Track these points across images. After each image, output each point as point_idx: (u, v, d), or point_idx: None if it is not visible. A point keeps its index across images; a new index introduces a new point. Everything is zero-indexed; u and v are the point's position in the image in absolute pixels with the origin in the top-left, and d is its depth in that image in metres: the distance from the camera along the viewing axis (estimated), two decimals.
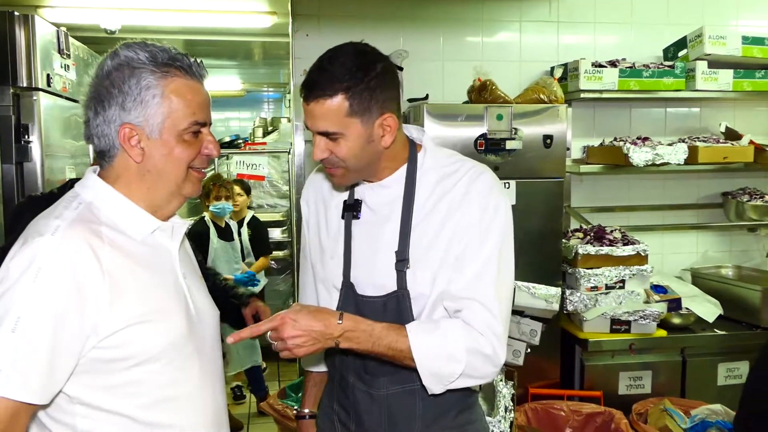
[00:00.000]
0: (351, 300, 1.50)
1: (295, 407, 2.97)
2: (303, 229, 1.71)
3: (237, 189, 4.78)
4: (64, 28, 3.76)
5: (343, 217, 1.55)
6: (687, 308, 3.22)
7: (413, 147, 1.52)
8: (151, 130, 1.19)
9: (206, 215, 4.40)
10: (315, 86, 1.35)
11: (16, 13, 3.30)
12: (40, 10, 3.88)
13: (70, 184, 2.35)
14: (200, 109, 1.23)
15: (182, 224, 1.31)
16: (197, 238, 4.25)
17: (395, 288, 1.45)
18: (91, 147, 1.31)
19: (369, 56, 1.39)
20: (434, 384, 1.39)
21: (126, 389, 1.16)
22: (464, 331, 1.38)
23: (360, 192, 1.54)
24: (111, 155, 1.21)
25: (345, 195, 1.57)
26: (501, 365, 1.41)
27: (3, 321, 1.04)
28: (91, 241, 1.12)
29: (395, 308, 1.45)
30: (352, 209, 1.54)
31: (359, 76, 1.35)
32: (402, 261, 1.44)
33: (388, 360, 1.40)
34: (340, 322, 1.35)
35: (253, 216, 4.98)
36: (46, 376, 1.07)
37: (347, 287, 1.51)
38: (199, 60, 1.25)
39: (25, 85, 3.32)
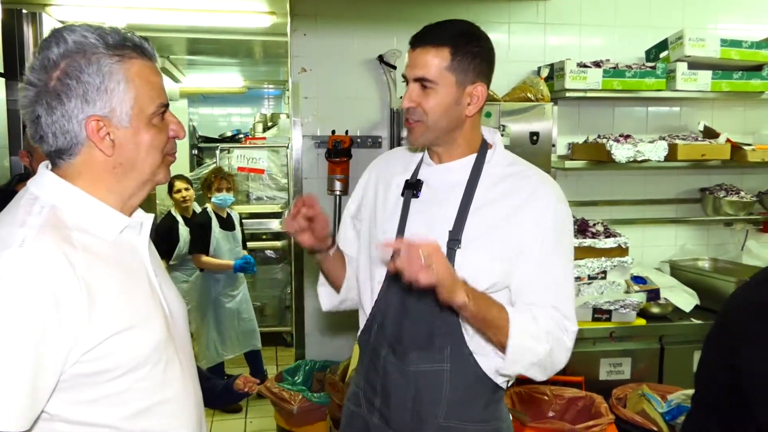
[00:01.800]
0: (396, 276, 1.46)
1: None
2: (354, 196, 1.72)
3: (184, 184, 4.65)
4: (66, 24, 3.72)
5: (402, 194, 1.55)
6: (665, 298, 3.22)
7: (485, 144, 1.54)
8: (120, 119, 1.05)
9: (208, 206, 4.38)
10: (426, 36, 1.43)
11: (24, 11, 3.27)
12: (48, 8, 3.83)
13: (17, 179, 2.26)
14: (163, 91, 1.12)
15: (149, 218, 1.19)
16: (200, 229, 4.25)
17: None
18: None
19: (478, 31, 1.47)
20: (516, 362, 1.39)
21: (111, 400, 1.04)
22: (552, 320, 1.41)
23: (424, 174, 1.55)
24: (72, 152, 1.06)
25: (408, 175, 1.58)
26: (564, 364, 1.46)
27: None
28: (65, 249, 0.98)
29: None
30: (413, 188, 1.54)
31: (467, 39, 1.42)
32: (454, 240, 1.43)
33: (484, 332, 1.39)
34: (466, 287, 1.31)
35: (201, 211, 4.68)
36: (27, 401, 0.94)
37: None
38: (146, 38, 1.11)
39: None
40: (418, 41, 1.43)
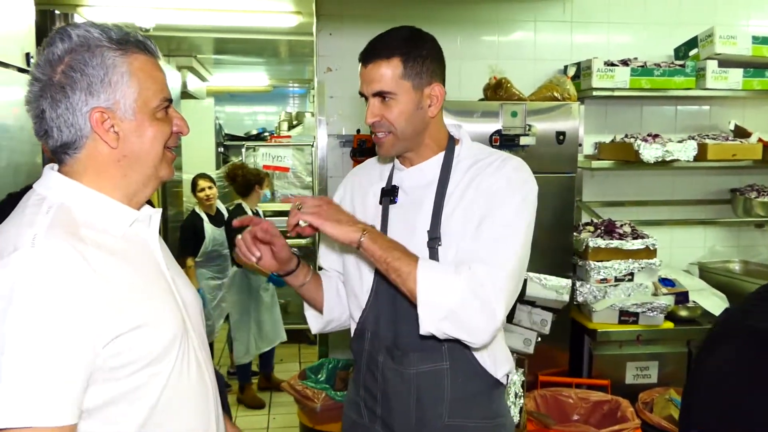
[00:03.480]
0: (384, 279, 1.47)
1: (310, 387, 2.97)
2: None
3: (207, 182, 4.69)
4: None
5: (380, 203, 1.56)
6: (694, 301, 3.15)
7: (452, 140, 1.54)
8: (124, 111, 1.06)
9: (243, 203, 4.46)
10: (374, 51, 1.43)
11: (57, 12, 3.32)
12: (79, 8, 3.89)
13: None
14: (166, 86, 1.12)
15: (157, 212, 1.19)
16: (233, 227, 4.33)
17: None
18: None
19: (421, 33, 1.48)
20: (427, 315, 1.31)
21: (131, 395, 1.04)
22: (469, 272, 1.32)
23: (397, 178, 1.56)
24: (77, 146, 1.06)
25: (383, 183, 1.58)
26: (497, 325, 1.33)
27: (4, 350, 0.90)
28: (76, 245, 0.98)
29: None
30: (389, 194, 1.54)
31: (413, 44, 1.43)
32: (434, 239, 1.43)
33: (393, 280, 1.35)
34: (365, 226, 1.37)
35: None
36: (75, 393, 0.95)
37: None
38: (149, 37, 1.13)
39: None
40: (368, 57, 1.43)
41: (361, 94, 1.47)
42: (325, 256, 1.71)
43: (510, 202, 1.39)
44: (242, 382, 4.50)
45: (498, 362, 1.49)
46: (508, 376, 1.53)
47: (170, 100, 1.14)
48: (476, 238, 1.38)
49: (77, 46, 1.04)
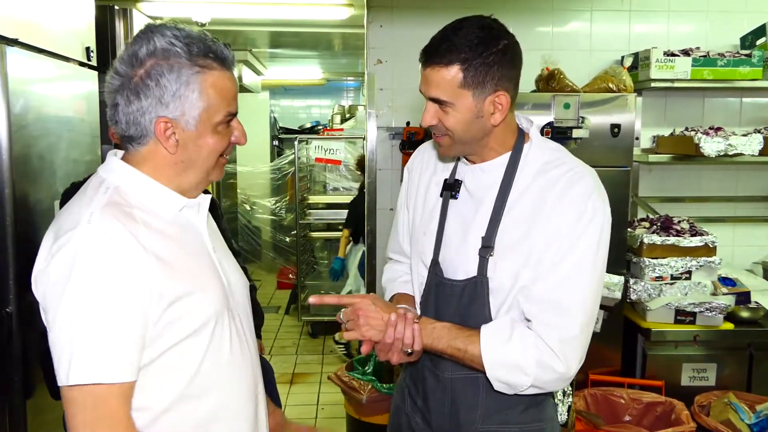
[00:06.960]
0: (433, 280, 1.47)
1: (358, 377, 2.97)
2: (400, 195, 1.68)
3: None
4: (159, 21, 3.86)
5: (441, 195, 1.50)
6: (756, 302, 3.00)
7: (521, 137, 1.44)
8: (187, 123, 1.13)
9: None
10: (434, 53, 1.31)
11: (116, 7, 3.42)
12: (138, 4, 3.99)
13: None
14: (233, 100, 1.18)
15: (206, 199, 1.25)
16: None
17: (476, 273, 1.38)
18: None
19: (493, 32, 1.32)
20: (505, 390, 1.35)
21: (171, 363, 1.12)
22: (535, 346, 1.30)
23: (461, 173, 1.49)
24: (141, 142, 1.15)
25: (447, 173, 1.51)
26: (573, 376, 1.33)
27: (73, 317, 1.01)
28: (127, 223, 1.07)
29: (472, 294, 1.39)
30: (451, 189, 1.48)
31: (479, 50, 1.29)
32: (486, 248, 1.37)
33: (460, 362, 1.37)
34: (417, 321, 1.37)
35: None
36: (135, 353, 1.05)
37: (434, 266, 1.47)
38: (228, 45, 1.18)
39: None
40: (428, 58, 1.33)
41: (421, 91, 1.40)
42: (392, 244, 1.71)
43: (584, 241, 1.31)
44: None
45: None
46: None
47: (234, 114, 1.20)
48: (547, 277, 1.32)
49: (158, 56, 1.10)
